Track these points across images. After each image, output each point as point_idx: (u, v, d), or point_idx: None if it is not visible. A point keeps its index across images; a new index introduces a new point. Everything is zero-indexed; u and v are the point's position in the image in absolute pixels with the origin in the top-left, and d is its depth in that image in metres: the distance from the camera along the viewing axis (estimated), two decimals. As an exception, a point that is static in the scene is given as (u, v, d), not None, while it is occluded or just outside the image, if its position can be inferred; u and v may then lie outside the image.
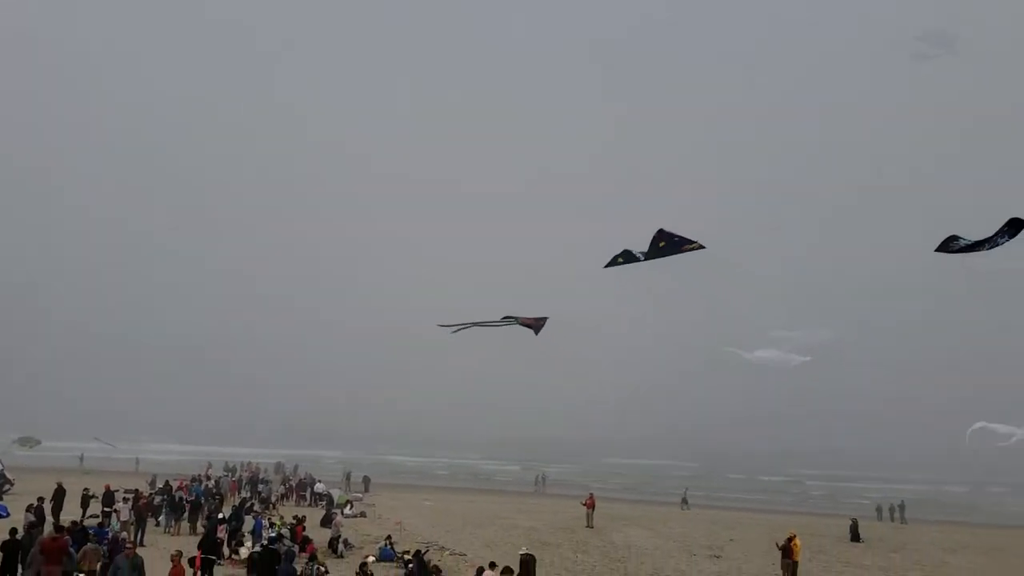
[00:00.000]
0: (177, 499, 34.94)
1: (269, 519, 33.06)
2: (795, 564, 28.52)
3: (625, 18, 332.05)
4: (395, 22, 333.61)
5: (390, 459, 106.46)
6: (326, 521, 36.01)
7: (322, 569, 19.63)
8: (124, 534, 25.91)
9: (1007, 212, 11.78)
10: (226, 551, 27.09)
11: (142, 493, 35.28)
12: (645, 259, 13.78)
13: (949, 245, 12.17)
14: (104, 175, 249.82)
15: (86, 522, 28.52)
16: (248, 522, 30.91)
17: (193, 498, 36.31)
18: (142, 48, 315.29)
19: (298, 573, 17.77)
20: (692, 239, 13.52)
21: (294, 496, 49.01)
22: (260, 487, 49.89)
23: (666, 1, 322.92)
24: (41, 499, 27.77)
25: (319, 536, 30.50)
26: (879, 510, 57.17)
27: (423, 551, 27.58)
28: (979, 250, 11.98)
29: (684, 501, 58.62)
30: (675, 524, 43.86)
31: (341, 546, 29.34)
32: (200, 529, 30.48)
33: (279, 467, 69.48)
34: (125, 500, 32.44)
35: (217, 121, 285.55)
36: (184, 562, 18.29)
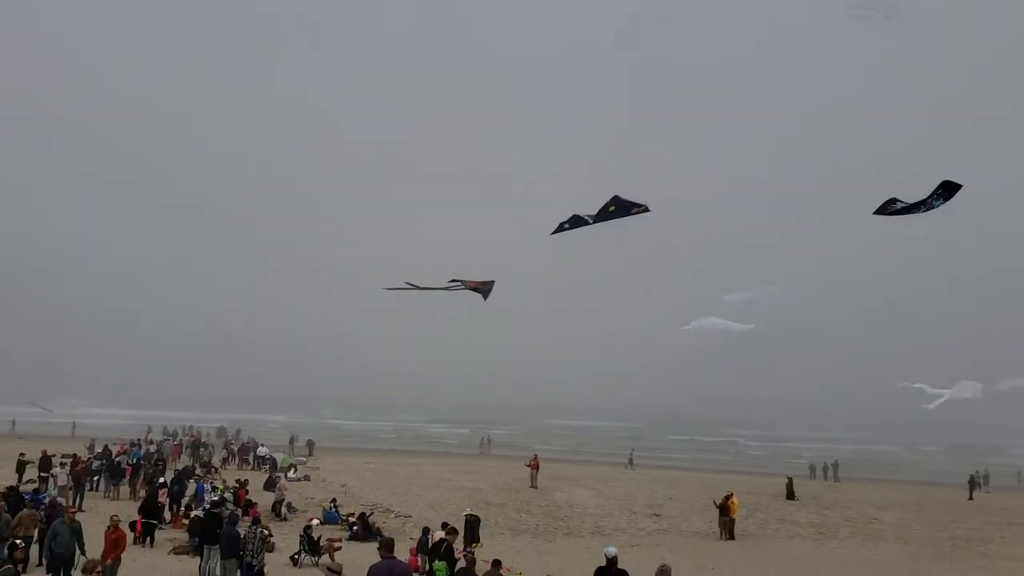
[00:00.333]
0: (116, 464, 34.45)
1: (211, 483, 32.80)
2: (732, 521, 29.41)
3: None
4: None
5: (335, 423, 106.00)
6: (269, 485, 35.88)
7: (265, 532, 19.56)
8: (62, 499, 25.48)
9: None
10: (167, 515, 26.88)
11: (80, 458, 34.71)
12: (594, 222, 13.89)
13: (887, 208, 12.40)
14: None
15: (22, 488, 27.97)
16: (190, 487, 30.66)
17: (134, 462, 35.83)
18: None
19: (241, 536, 17.69)
20: (641, 203, 13.64)
21: (237, 460, 48.65)
22: (201, 451, 49.46)
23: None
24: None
25: (262, 500, 30.39)
26: (813, 469, 58.97)
27: (368, 513, 27.73)
28: (915, 212, 12.23)
29: (630, 461, 59.72)
30: (617, 484, 44.67)
31: (284, 509, 29.31)
32: (141, 494, 30.13)
33: (221, 431, 68.80)
34: (63, 465, 31.87)
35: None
36: (125, 527, 18.12)
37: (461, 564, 17.11)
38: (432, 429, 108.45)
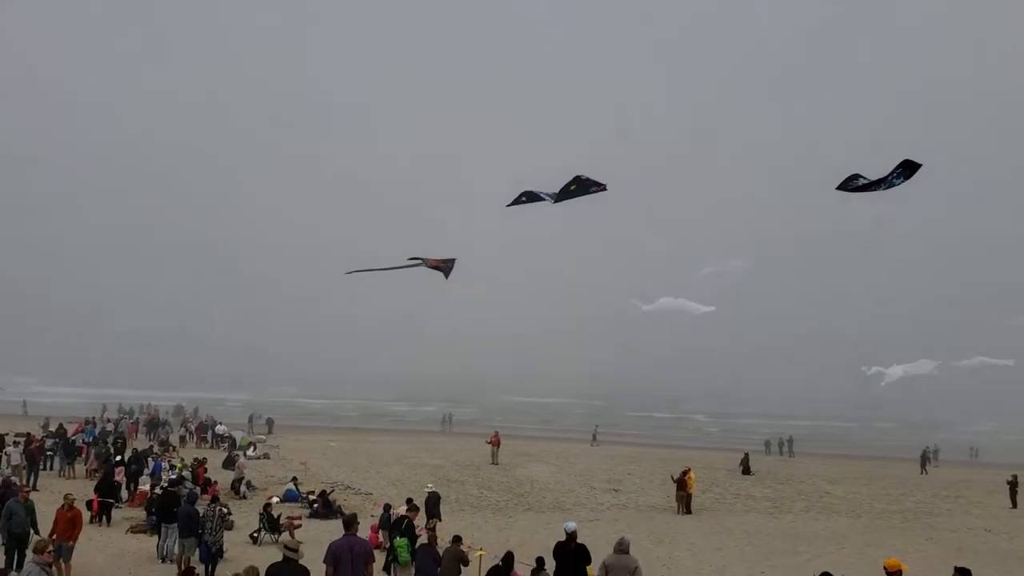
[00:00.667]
0: (72, 442, 34.00)
1: (169, 461, 32.53)
2: (689, 496, 29.91)
3: None
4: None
5: (297, 402, 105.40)
6: (228, 463, 35.66)
7: (224, 510, 19.48)
8: (15, 478, 25.12)
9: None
10: (125, 494, 26.63)
11: (34, 436, 34.17)
12: (555, 201, 13.91)
13: (849, 183, 12.56)
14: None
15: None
16: (148, 465, 30.37)
17: (90, 441, 35.38)
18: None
19: (200, 515, 17.62)
20: (600, 182, 13.70)
21: (195, 438, 48.24)
22: (159, 430, 48.96)
23: None
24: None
25: (221, 478, 30.24)
26: (768, 444, 60.08)
27: (328, 491, 27.70)
28: (876, 189, 12.40)
29: (594, 438, 60.39)
30: (577, 459, 45.12)
31: (244, 488, 29.17)
32: (98, 474, 29.78)
33: (179, 409, 68.13)
34: (16, 444, 31.36)
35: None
36: (81, 506, 17.94)
37: (423, 540, 17.24)
38: (395, 407, 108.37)
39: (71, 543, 15.79)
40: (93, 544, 19.22)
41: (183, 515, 17.54)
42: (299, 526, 21.69)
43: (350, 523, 11.44)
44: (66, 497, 16.32)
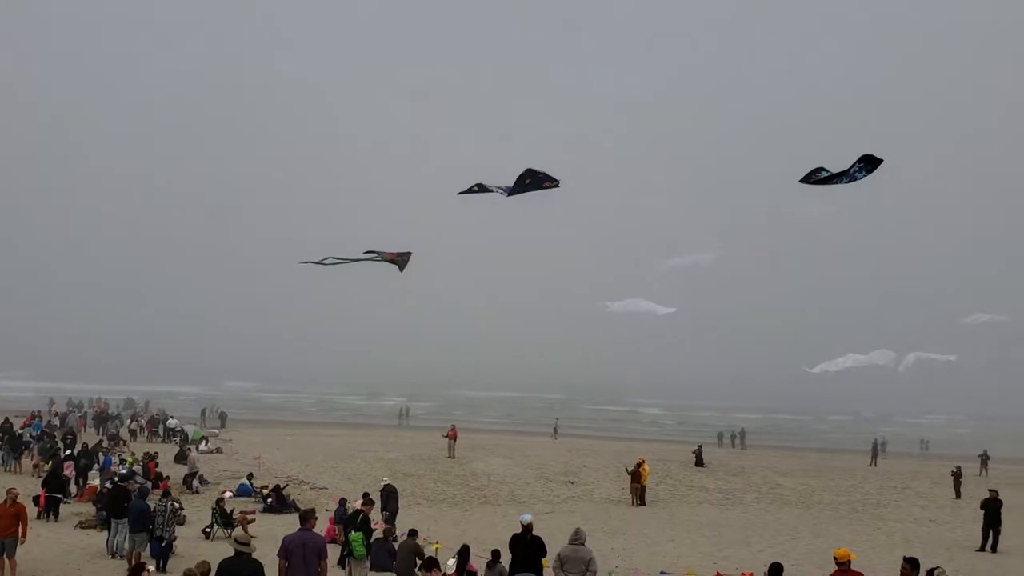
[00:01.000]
0: (18, 436, 33.28)
1: (119, 455, 31.99)
2: (643, 488, 30.22)
3: None
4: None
5: (252, 396, 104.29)
6: (180, 457, 35.19)
7: (176, 505, 19.24)
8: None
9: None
10: (73, 489, 26.15)
11: (-21, 431, 33.41)
12: (509, 195, 13.92)
13: (812, 176, 12.74)
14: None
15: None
16: (98, 459, 29.84)
17: (37, 435, 34.66)
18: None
19: (151, 510, 17.37)
20: (554, 177, 13.73)
21: (146, 432, 47.47)
22: (108, 424, 48.11)
23: None
24: None
25: (173, 473, 29.84)
26: (720, 437, 60.92)
27: (282, 486, 27.48)
28: (838, 182, 12.60)
29: (555, 431, 60.84)
30: (533, 452, 45.28)
31: (196, 482, 28.80)
32: (45, 468, 29.17)
33: (129, 403, 67.08)
34: (-41, 439, 30.63)
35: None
36: (27, 500, 17.57)
37: (378, 534, 17.18)
38: (352, 401, 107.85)
39: (21, 539, 15.46)
40: (41, 540, 18.83)
41: (134, 510, 17.28)
42: (252, 521, 21.48)
43: (306, 517, 11.38)
44: (9, 492, 15.95)
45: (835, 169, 12.50)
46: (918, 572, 12.00)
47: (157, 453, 32.11)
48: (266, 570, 10.42)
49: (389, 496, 22.18)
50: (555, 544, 14.13)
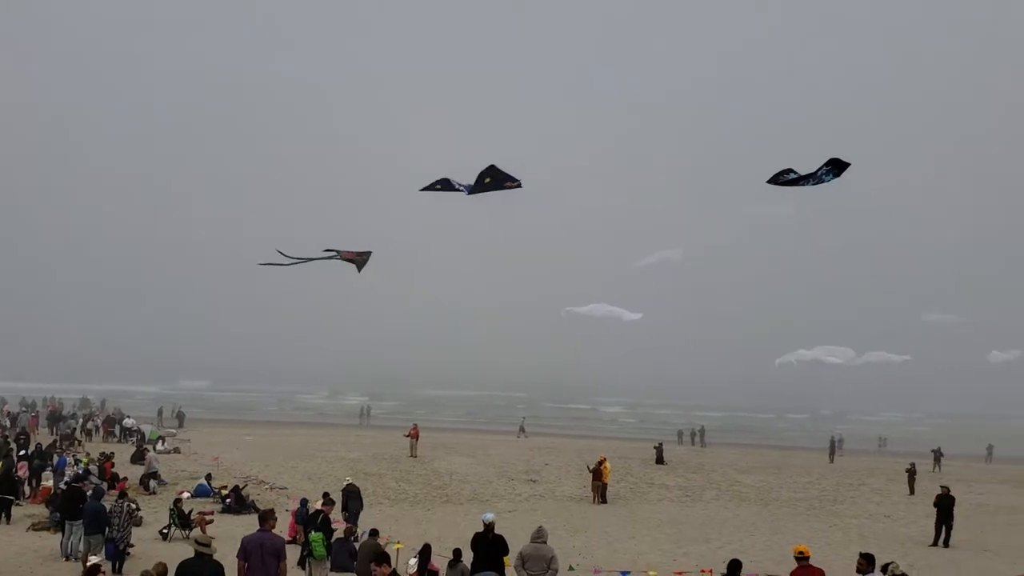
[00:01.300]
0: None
1: (74, 456, 31.44)
2: (605, 486, 30.40)
3: None
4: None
5: (210, 395, 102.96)
6: (137, 457, 34.68)
7: (132, 506, 18.95)
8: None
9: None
10: (27, 490, 25.66)
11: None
12: (470, 193, 13.84)
13: (780, 177, 12.85)
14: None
15: None
16: (52, 460, 29.27)
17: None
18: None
19: (106, 511, 17.09)
20: (515, 177, 13.69)
21: (102, 432, 46.67)
22: (61, 424, 47.21)
23: None
24: None
25: (130, 473, 29.37)
26: (680, 435, 61.46)
27: (241, 486, 27.20)
28: (805, 184, 12.72)
29: (522, 429, 61.01)
30: (496, 451, 45.30)
31: (153, 483, 28.40)
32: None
33: (84, 402, 65.87)
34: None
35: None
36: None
37: (339, 534, 17.09)
38: (312, 400, 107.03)
39: None
40: (-9, 543, 18.47)
41: (89, 511, 17.00)
42: (211, 521, 21.22)
43: (265, 518, 11.28)
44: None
45: (803, 171, 12.64)
46: (873, 567, 12.24)
47: (113, 453, 31.60)
48: (226, 571, 10.32)
49: (351, 496, 22.08)
50: (517, 542, 14.15)
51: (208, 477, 28.98)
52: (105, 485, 23.49)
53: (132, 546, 17.72)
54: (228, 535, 19.36)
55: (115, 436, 45.78)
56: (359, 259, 15.49)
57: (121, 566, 16.81)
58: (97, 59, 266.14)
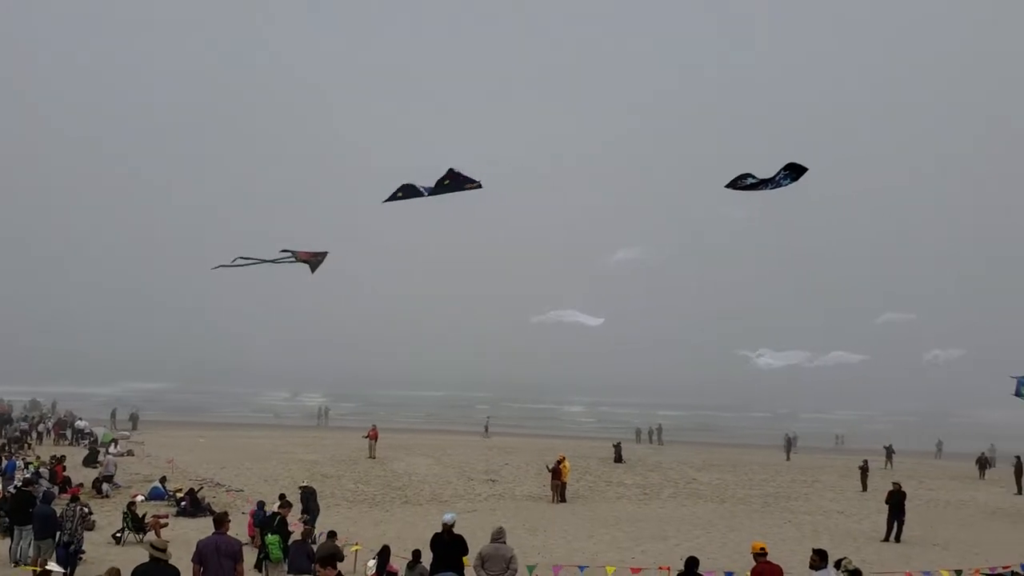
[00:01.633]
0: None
1: (24, 459, 30.77)
2: (564, 485, 30.53)
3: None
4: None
5: (165, 396, 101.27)
6: (90, 460, 34.07)
7: (85, 510, 18.62)
8: None
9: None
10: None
11: None
12: (429, 194, 13.83)
13: (738, 182, 13.00)
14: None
15: None
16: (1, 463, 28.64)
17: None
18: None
19: (57, 515, 16.77)
20: (474, 178, 13.70)
21: (53, 435, 45.75)
22: (9, 427, 46.20)
23: None
24: None
25: (82, 476, 28.88)
26: (638, 433, 61.97)
27: (197, 488, 26.84)
28: (764, 188, 12.89)
29: (486, 429, 61.12)
30: (456, 452, 45.25)
31: (107, 486, 27.92)
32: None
33: (34, 404, 64.56)
34: None
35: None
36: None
37: (296, 536, 16.95)
38: (270, 402, 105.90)
39: None
40: (-63, 550, 18.01)
41: (38, 515, 16.67)
42: (165, 525, 20.92)
43: (220, 521, 11.17)
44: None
45: (761, 176, 12.82)
46: (826, 563, 12.48)
47: (64, 457, 31.01)
48: (182, 575, 10.19)
49: (309, 498, 21.92)
50: (476, 542, 14.16)
51: (163, 480, 28.57)
52: (56, 489, 23.05)
53: (84, 552, 17.43)
54: (183, 539, 19.12)
55: (67, 439, 44.92)
56: (314, 260, 15.39)
57: (73, 571, 16.49)
58: (97, 59, 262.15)
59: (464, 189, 13.41)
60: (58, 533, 16.52)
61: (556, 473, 30.50)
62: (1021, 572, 17.57)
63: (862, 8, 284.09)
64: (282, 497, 19.34)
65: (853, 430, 76.73)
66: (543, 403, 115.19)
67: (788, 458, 49.86)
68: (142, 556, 10.34)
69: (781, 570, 12.20)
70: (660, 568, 16.84)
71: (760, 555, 12.37)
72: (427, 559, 14.01)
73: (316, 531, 18.54)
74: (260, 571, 16.50)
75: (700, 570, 12.84)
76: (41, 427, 47.22)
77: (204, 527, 18.42)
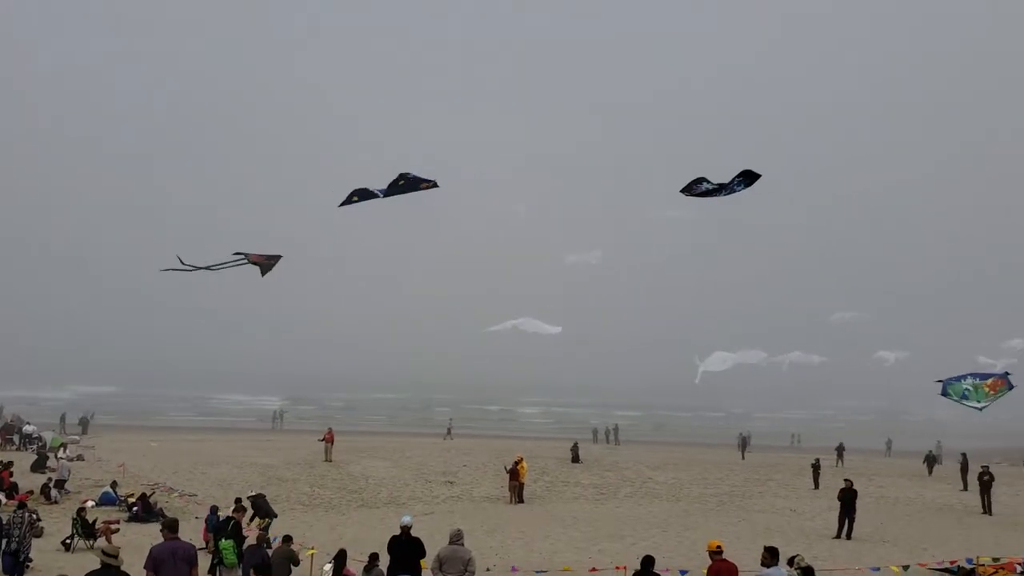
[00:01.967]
0: None
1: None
2: (521, 485, 30.62)
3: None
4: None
5: (116, 400, 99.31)
6: (37, 465, 33.34)
7: (33, 516, 18.22)
8: None
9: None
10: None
11: None
12: (384, 196, 13.81)
13: (693, 187, 13.15)
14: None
15: None
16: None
17: None
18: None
19: (5, 522, 16.39)
20: (429, 178, 13.71)
21: (0, 439, 44.62)
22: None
23: None
24: None
25: (31, 482, 28.25)
26: (595, 433, 62.35)
27: (149, 493, 26.43)
28: (718, 195, 13.06)
29: (448, 431, 61.02)
30: (413, 453, 45.06)
31: (55, 491, 27.33)
32: None
33: (-20, 409, 62.80)
34: None
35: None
36: None
37: (251, 541, 16.77)
38: (223, 405, 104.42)
39: None
40: None
41: (-17, 524, 16.27)
42: (117, 531, 20.59)
43: (172, 527, 11.02)
44: None
45: (716, 181, 12.99)
46: (777, 560, 12.69)
47: (12, 462, 30.24)
48: (132, 582, 10.04)
49: (261, 504, 21.65)
50: (434, 544, 14.16)
51: (114, 485, 28.08)
52: (2, 495, 22.52)
53: (32, 560, 17.07)
54: (135, 545, 18.80)
55: (13, 444, 43.85)
56: (267, 263, 15.20)
57: (20, 579, 16.15)
58: (97, 59, 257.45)
59: (419, 189, 13.42)
60: (5, 541, 16.15)
61: (514, 474, 30.57)
62: (966, 566, 18.07)
63: (862, 9, 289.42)
64: (238, 501, 19.13)
65: (809, 429, 78.01)
66: (500, 404, 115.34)
67: (743, 457, 50.55)
68: (92, 563, 10.16)
69: (736, 568, 12.36)
70: (617, 568, 16.99)
71: (716, 553, 12.54)
72: (384, 562, 13.97)
73: (271, 535, 18.39)
74: (214, 576, 16.30)
75: (656, 569, 12.98)
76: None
77: (157, 533, 18.11)
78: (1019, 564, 18.47)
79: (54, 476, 28.96)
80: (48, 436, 42.64)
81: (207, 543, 18.96)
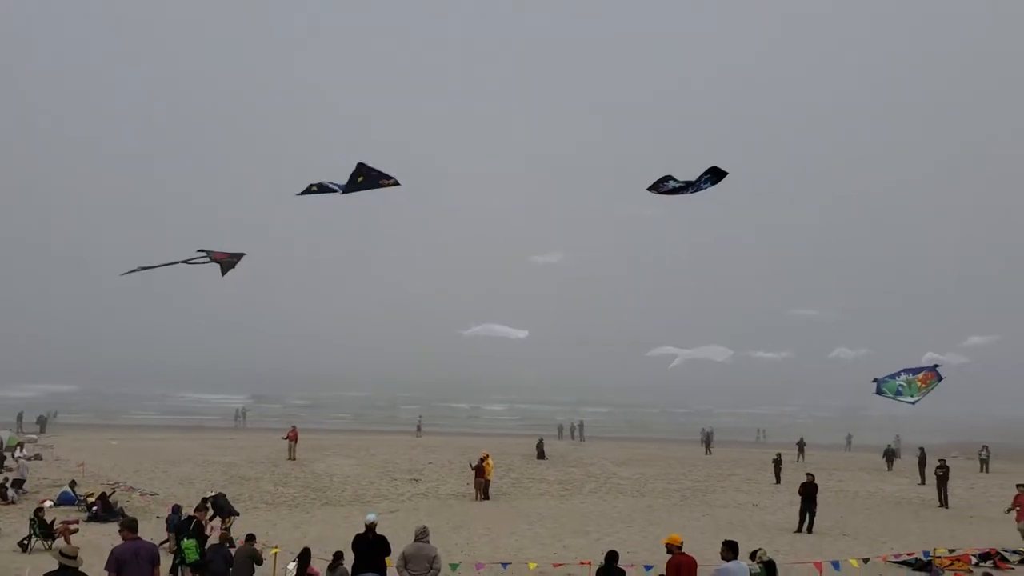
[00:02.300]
0: None
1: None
2: (487, 482, 30.65)
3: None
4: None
5: (76, 399, 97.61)
6: (-7, 466, 32.70)
7: (-11, 518, 17.94)
8: None
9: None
10: None
11: None
12: (344, 192, 13.59)
13: (660, 185, 13.18)
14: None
15: None
16: None
17: None
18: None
19: (-41, 524, 16.10)
20: (390, 175, 13.52)
21: (-47, 441, 43.67)
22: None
23: None
24: None
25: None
26: (560, 429, 62.60)
27: (109, 493, 26.04)
28: (685, 192, 13.10)
29: (418, 428, 60.80)
30: (379, 451, 44.93)
31: (12, 491, 26.83)
32: None
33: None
34: None
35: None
36: None
37: (213, 540, 16.62)
38: (183, 403, 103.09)
39: None
40: None
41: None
42: (76, 531, 20.26)
43: (132, 526, 10.87)
44: None
45: (683, 179, 13.04)
46: (736, 554, 12.80)
47: (-34, 463, 29.70)
48: (91, 583, 9.90)
49: (223, 504, 21.43)
50: (399, 542, 14.12)
51: (72, 484, 27.62)
52: (-43, 496, 22.07)
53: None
54: (95, 545, 18.55)
55: (-32, 444, 42.91)
56: (228, 261, 14.97)
57: (-25, 582, 15.86)
58: (97, 59, 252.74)
59: (380, 186, 13.24)
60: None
61: (479, 471, 30.60)
62: (924, 559, 18.42)
63: (862, 9, 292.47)
64: (204, 501, 18.94)
65: (772, 424, 78.98)
66: (467, 402, 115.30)
67: (708, 452, 51.05)
68: (50, 564, 10.00)
69: (695, 562, 12.45)
70: (581, 563, 17.06)
71: (673, 549, 12.57)
72: (349, 560, 13.90)
73: (234, 534, 18.22)
74: (176, 576, 16.11)
75: (620, 563, 13.06)
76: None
77: (117, 533, 17.90)
78: (974, 556, 18.90)
79: (12, 476, 28.45)
80: (4, 435, 41.83)
81: (167, 542, 18.75)
